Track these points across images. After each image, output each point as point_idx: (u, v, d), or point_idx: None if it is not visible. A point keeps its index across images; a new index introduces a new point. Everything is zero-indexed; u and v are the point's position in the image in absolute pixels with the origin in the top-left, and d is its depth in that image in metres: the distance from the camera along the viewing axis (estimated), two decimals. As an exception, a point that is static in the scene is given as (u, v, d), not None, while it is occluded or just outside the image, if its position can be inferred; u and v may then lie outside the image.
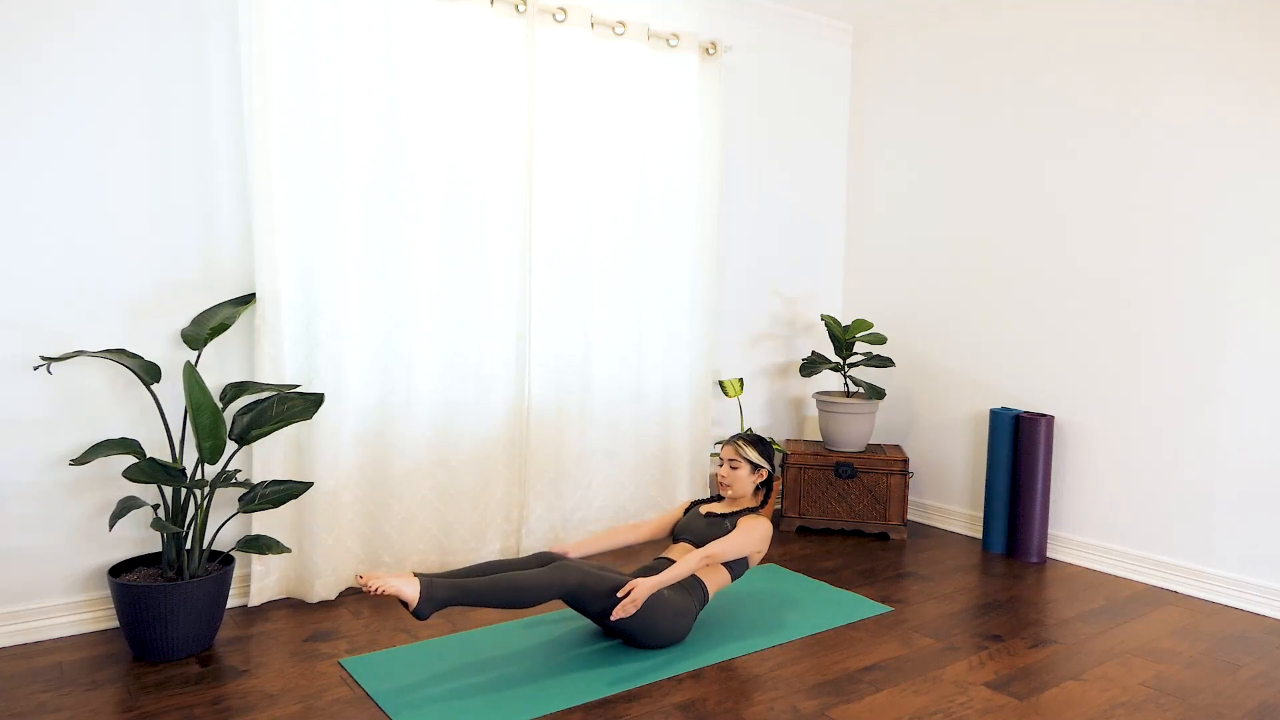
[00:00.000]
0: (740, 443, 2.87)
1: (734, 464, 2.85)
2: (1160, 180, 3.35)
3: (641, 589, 2.45)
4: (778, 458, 4.42)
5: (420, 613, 2.31)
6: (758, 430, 4.38)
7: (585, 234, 3.56)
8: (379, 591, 2.26)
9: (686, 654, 2.60)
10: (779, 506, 4.42)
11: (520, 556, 2.64)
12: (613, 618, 2.43)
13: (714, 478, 2.97)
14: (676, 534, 2.88)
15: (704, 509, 2.92)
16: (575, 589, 2.47)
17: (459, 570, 2.52)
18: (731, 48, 3.98)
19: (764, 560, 3.59)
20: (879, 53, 4.44)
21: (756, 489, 2.90)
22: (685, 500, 3.76)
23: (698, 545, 2.76)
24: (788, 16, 4.26)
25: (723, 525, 2.78)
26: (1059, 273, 3.68)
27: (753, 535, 2.72)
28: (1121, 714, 2.30)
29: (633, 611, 2.44)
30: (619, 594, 2.48)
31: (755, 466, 2.86)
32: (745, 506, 2.88)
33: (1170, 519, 3.35)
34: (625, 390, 3.76)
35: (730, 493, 2.86)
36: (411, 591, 2.30)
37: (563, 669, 2.49)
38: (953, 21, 4.08)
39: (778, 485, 4.13)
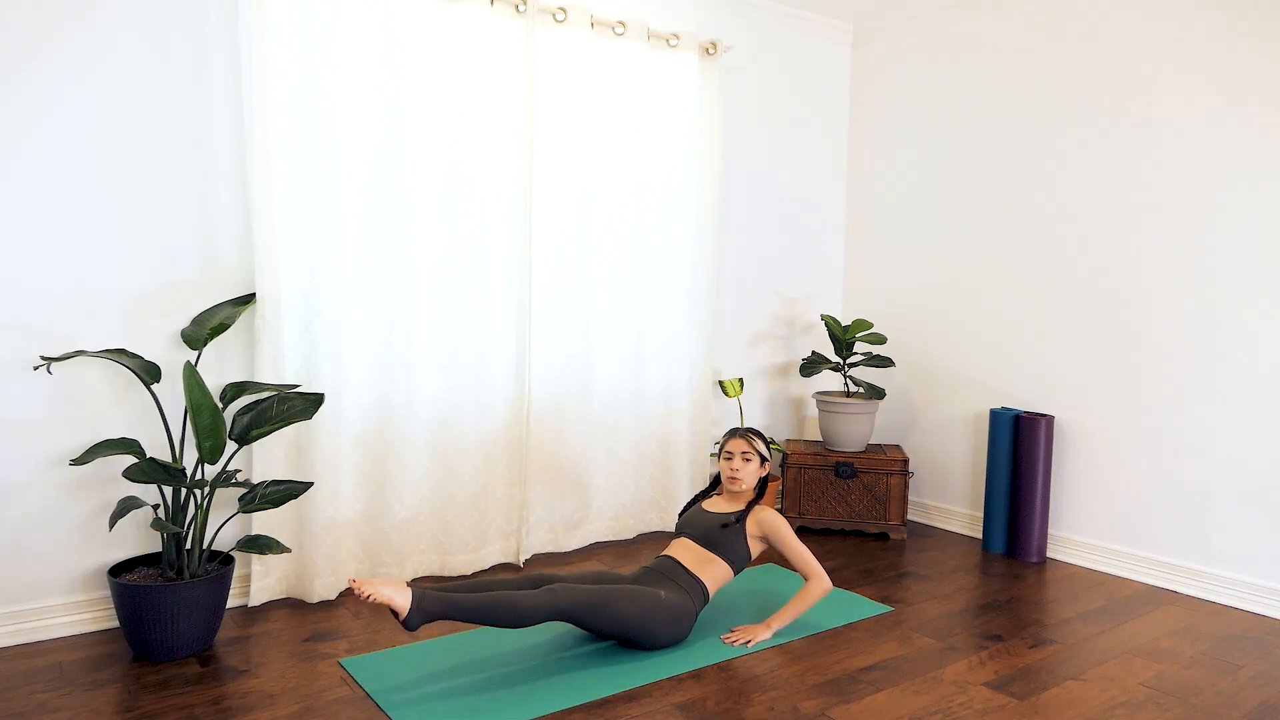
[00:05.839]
0: (751, 435, 2.91)
1: (747, 456, 2.88)
2: (1161, 180, 3.35)
3: (759, 637, 2.68)
4: (776, 457, 4.43)
5: (409, 623, 2.28)
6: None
7: (585, 234, 3.56)
8: (370, 598, 2.24)
9: (686, 654, 2.60)
10: (778, 506, 4.42)
11: (517, 577, 2.58)
12: (732, 641, 2.65)
13: (715, 477, 3.00)
14: (679, 529, 2.88)
15: (706, 505, 2.93)
16: (567, 610, 2.44)
17: (454, 585, 2.47)
18: (732, 48, 3.98)
19: (764, 560, 3.59)
20: (879, 53, 4.44)
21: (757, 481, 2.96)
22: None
23: (700, 541, 2.78)
24: (788, 16, 4.26)
25: (728, 520, 2.79)
26: (1059, 272, 3.68)
27: (791, 531, 2.80)
28: (1121, 714, 2.30)
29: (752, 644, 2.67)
30: (727, 639, 2.68)
31: (763, 459, 2.91)
32: (748, 501, 2.89)
33: (1170, 519, 3.35)
34: (625, 390, 3.76)
35: (740, 486, 2.87)
36: (403, 601, 2.27)
37: (563, 669, 2.49)
38: (953, 21, 4.08)
39: (775, 485, 4.13)
